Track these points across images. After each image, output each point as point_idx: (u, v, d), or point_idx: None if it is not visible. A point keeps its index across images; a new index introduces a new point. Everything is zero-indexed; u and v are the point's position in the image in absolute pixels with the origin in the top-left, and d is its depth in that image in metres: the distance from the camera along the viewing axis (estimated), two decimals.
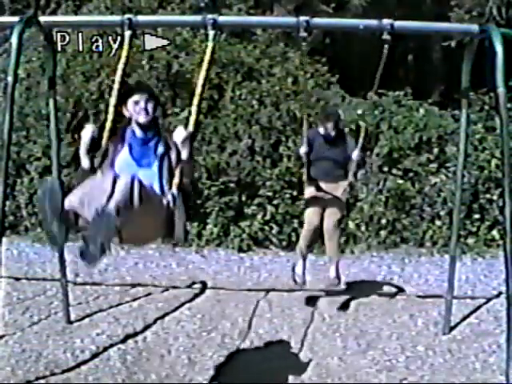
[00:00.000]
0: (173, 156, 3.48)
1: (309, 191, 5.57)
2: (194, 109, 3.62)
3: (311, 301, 5.78)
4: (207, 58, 3.79)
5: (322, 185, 5.50)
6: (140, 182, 3.05)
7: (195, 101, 3.64)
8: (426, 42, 12.48)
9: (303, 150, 5.41)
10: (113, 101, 3.67)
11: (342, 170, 5.52)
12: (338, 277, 5.63)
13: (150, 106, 3.50)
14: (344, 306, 5.68)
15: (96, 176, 3.29)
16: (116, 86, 3.72)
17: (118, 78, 3.76)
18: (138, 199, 3.00)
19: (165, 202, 3.36)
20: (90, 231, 2.97)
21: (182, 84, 7.92)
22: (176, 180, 3.42)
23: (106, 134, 3.57)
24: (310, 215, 5.57)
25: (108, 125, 3.61)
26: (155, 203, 3.26)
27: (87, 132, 3.39)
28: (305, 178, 5.57)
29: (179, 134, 3.35)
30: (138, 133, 3.52)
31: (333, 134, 5.49)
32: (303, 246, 5.66)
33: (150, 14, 8.20)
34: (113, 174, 3.18)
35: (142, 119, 3.48)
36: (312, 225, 5.55)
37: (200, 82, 3.70)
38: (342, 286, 5.89)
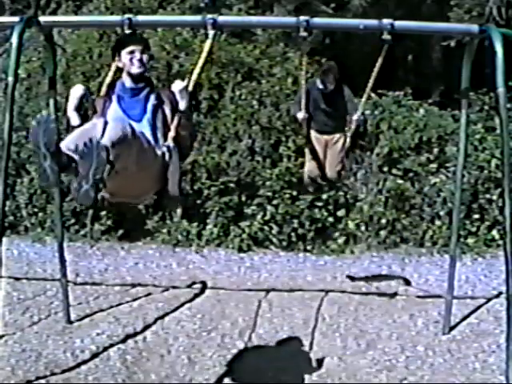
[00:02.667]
0: (167, 109, 3.41)
1: (309, 145, 5.82)
2: (195, 72, 3.56)
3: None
4: (206, 50, 3.68)
5: (320, 136, 5.69)
6: (132, 128, 3.00)
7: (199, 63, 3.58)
8: (425, 42, 12.49)
9: (302, 115, 5.44)
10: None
11: (340, 121, 5.67)
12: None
13: (145, 57, 3.43)
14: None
15: (88, 123, 3.15)
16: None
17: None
18: (132, 140, 2.95)
19: (159, 153, 3.26)
20: (81, 168, 2.81)
21: None
22: (172, 133, 3.33)
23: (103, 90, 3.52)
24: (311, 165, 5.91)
25: (106, 81, 3.56)
26: (148, 153, 3.17)
27: (77, 90, 3.36)
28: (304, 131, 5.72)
29: (178, 85, 3.37)
30: (128, 83, 3.42)
31: (331, 87, 5.58)
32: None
33: (150, 14, 8.20)
34: (104, 119, 3.10)
35: (136, 70, 3.39)
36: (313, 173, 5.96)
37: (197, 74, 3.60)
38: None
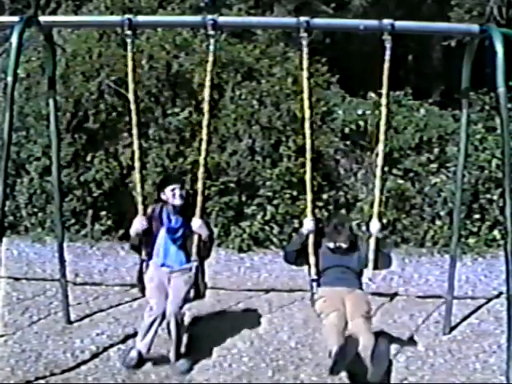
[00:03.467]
0: (195, 236, 4.46)
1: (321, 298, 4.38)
2: (199, 195, 4.35)
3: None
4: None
5: (335, 289, 4.40)
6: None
7: (200, 189, 4.34)
8: (426, 42, 12.49)
9: (310, 224, 4.31)
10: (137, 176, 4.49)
11: (356, 277, 4.49)
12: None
13: (184, 193, 4.58)
14: None
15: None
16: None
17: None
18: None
19: (192, 273, 4.50)
20: None
21: (181, 84, 7.92)
22: (195, 250, 4.48)
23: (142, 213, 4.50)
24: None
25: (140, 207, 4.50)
26: (184, 278, 4.51)
27: (140, 221, 4.46)
28: (313, 272, 4.40)
29: (196, 223, 4.39)
30: (173, 220, 4.59)
31: (345, 246, 4.53)
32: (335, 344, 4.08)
33: (150, 14, 8.19)
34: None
35: (177, 202, 4.55)
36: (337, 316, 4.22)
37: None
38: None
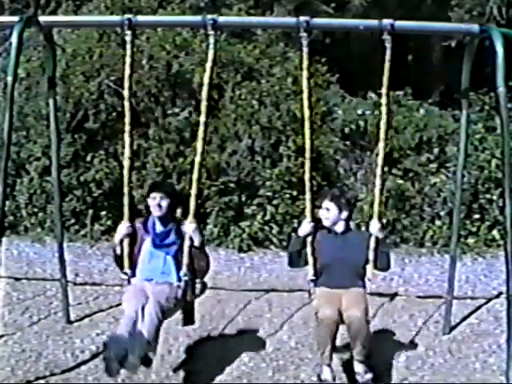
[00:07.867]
0: (186, 243, 4.03)
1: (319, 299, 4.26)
2: (193, 198, 4.02)
3: None
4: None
5: (332, 291, 4.26)
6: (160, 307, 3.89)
7: (193, 192, 4.03)
8: (426, 42, 12.49)
9: (309, 225, 4.26)
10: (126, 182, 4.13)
11: (357, 274, 4.30)
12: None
13: (165, 203, 4.09)
14: None
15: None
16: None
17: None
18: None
19: (179, 292, 4.04)
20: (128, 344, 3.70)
21: (181, 84, 7.92)
22: (185, 261, 4.02)
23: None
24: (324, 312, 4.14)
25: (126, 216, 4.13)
26: (171, 294, 4.00)
27: (123, 228, 4.08)
28: (311, 273, 4.27)
29: (189, 226, 4.00)
30: (158, 227, 4.14)
31: (330, 211, 4.37)
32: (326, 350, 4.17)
33: (150, 14, 8.19)
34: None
35: (156, 213, 4.10)
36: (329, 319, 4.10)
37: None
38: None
